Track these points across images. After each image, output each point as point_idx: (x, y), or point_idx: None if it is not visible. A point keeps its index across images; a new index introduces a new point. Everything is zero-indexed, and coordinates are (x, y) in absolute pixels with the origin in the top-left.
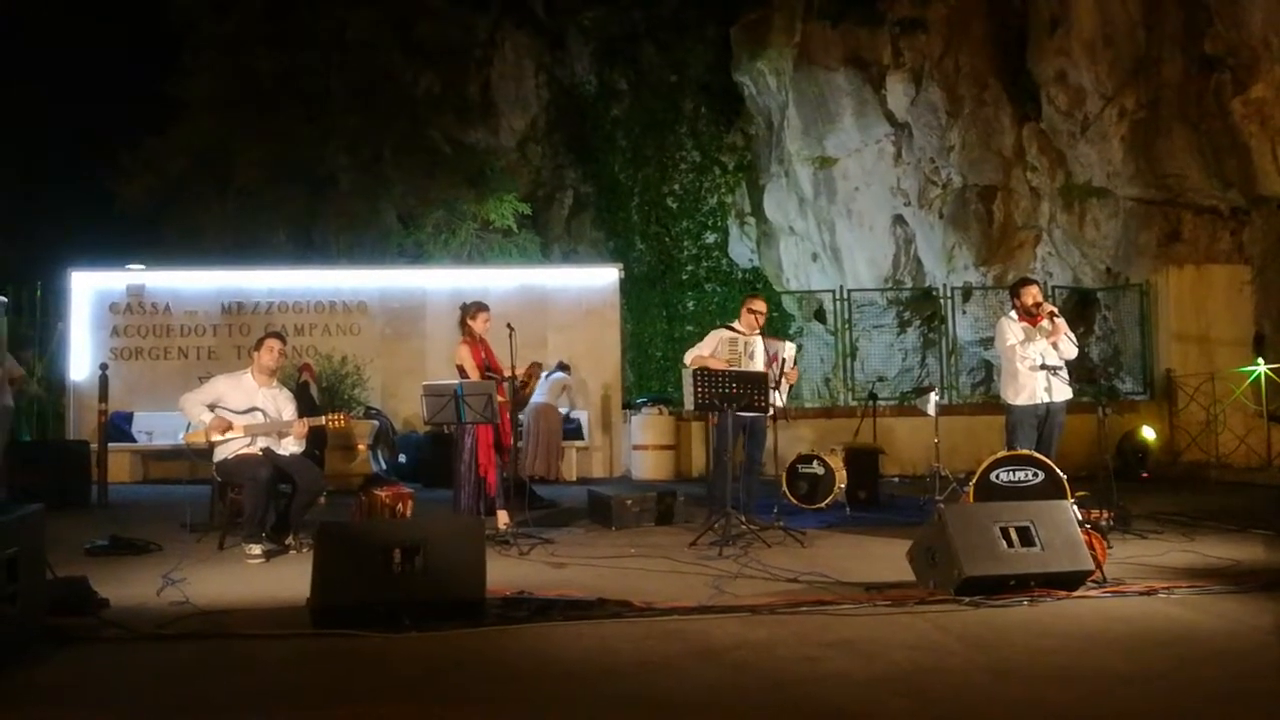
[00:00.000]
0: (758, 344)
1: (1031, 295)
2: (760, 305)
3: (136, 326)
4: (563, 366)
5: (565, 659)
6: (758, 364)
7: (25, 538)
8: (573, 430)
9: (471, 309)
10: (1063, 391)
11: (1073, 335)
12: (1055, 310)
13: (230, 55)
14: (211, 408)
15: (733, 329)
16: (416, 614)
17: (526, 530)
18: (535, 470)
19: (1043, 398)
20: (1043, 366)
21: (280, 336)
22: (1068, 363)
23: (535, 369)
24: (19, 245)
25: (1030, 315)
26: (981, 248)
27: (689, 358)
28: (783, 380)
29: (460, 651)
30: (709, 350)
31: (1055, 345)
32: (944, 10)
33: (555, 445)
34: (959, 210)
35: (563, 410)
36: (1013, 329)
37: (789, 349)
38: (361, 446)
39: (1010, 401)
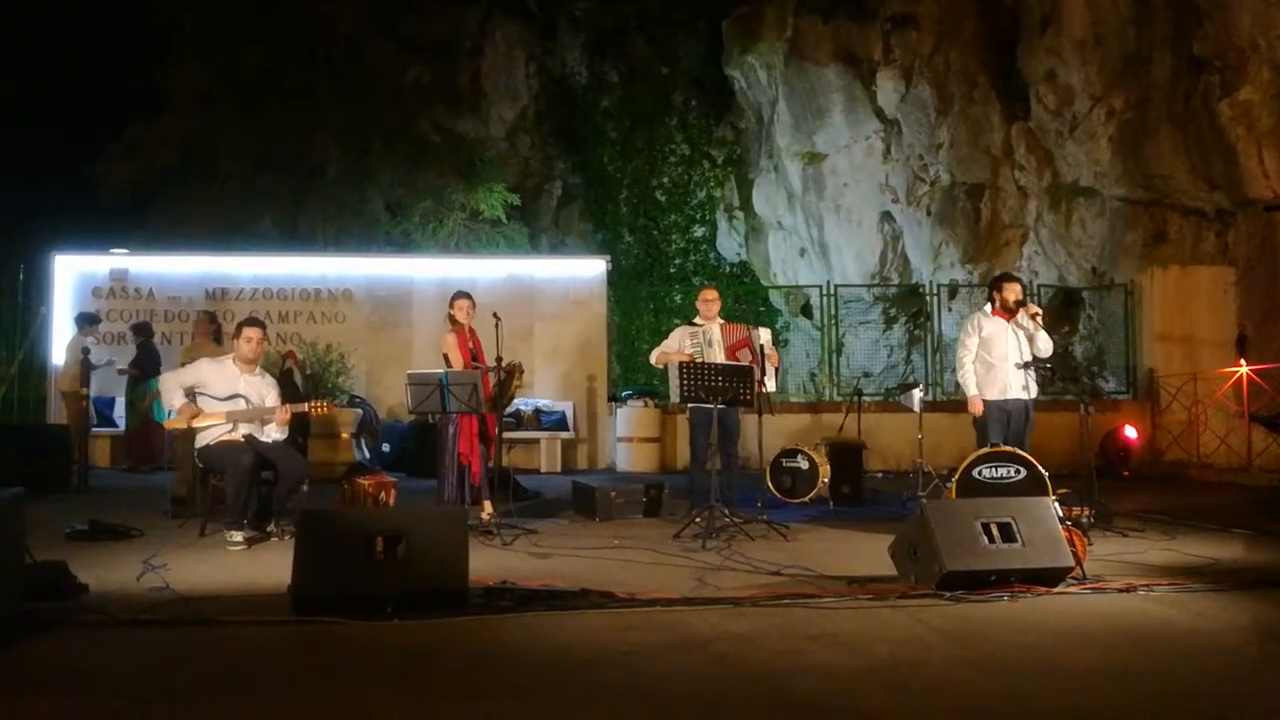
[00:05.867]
0: (714, 331)
1: (1014, 292)
2: (710, 294)
3: (119, 311)
4: None
5: (547, 649)
6: (715, 349)
7: (4, 522)
8: (558, 421)
9: (452, 298)
10: (1031, 389)
11: (1046, 334)
12: (1039, 311)
13: (218, 43)
14: (192, 392)
15: (694, 322)
16: (398, 602)
17: (510, 520)
18: None
19: (1010, 394)
20: (1025, 364)
21: (258, 323)
22: (1049, 361)
23: (518, 370)
24: (2, 228)
25: (1009, 311)
26: (968, 245)
27: (655, 356)
28: (767, 364)
29: (442, 640)
30: (675, 346)
31: (1032, 341)
32: (935, 8)
33: None
34: (947, 208)
35: None
36: (987, 324)
37: (764, 335)
38: (345, 435)
39: (983, 396)
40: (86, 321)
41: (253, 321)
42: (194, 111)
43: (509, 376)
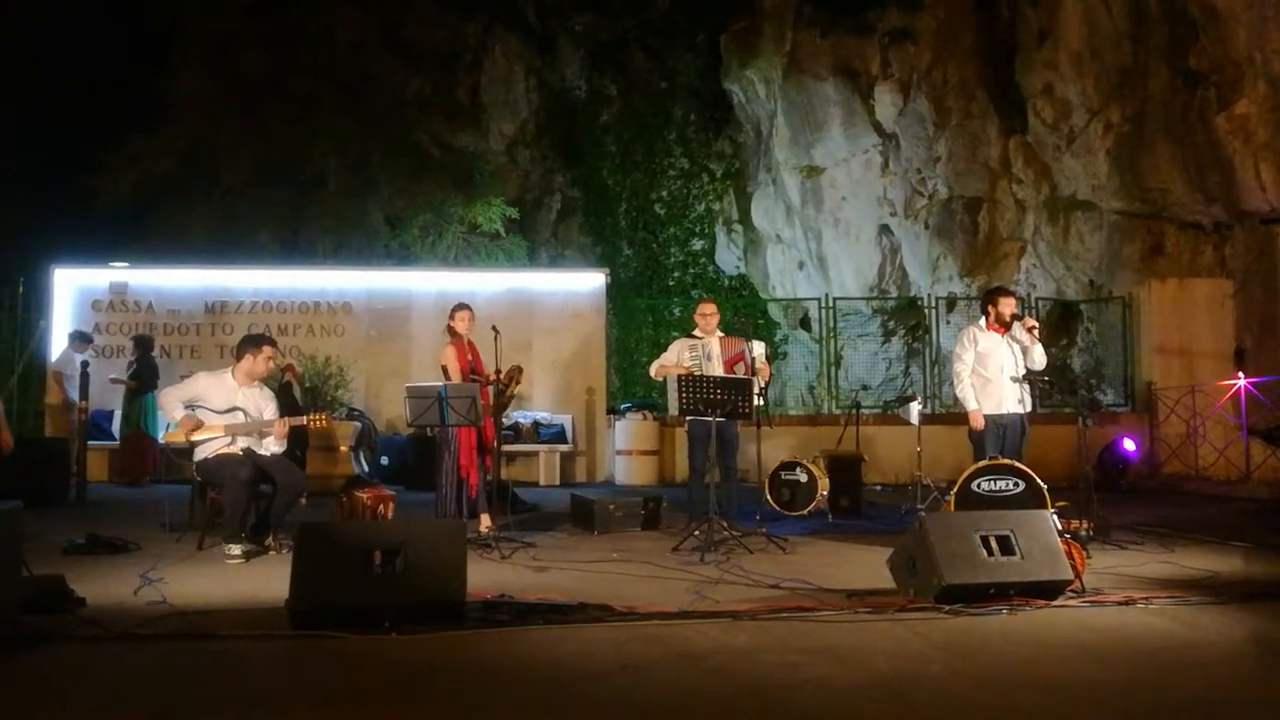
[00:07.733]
0: (714, 344)
1: (1009, 305)
2: (709, 308)
3: (119, 324)
4: None
5: (545, 662)
6: (714, 363)
7: (1, 535)
8: (557, 434)
9: (452, 309)
10: (1027, 403)
11: (1041, 347)
12: (1036, 324)
13: (218, 54)
14: (191, 405)
15: (693, 335)
16: (396, 616)
17: (508, 533)
18: None
19: (1005, 408)
20: (1021, 378)
21: (273, 341)
22: (1044, 374)
23: (517, 372)
24: (1, 241)
25: (1004, 325)
26: (966, 259)
27: (654, 368)
28: (756, 378)
29: (440, 654)
30: (673, 359)
31: (1028, 354)
32: (933, 22)
33: None
34: (945, 221)
35: None
36: (982, 338)
37: (758, 348)
38: (344, 448)
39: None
40: (81, 339)
41: (268, 340)
42: (195, 119)
43: (509, 381)
